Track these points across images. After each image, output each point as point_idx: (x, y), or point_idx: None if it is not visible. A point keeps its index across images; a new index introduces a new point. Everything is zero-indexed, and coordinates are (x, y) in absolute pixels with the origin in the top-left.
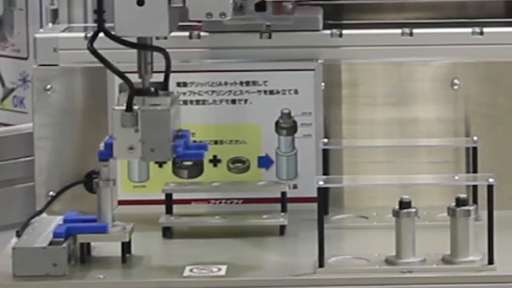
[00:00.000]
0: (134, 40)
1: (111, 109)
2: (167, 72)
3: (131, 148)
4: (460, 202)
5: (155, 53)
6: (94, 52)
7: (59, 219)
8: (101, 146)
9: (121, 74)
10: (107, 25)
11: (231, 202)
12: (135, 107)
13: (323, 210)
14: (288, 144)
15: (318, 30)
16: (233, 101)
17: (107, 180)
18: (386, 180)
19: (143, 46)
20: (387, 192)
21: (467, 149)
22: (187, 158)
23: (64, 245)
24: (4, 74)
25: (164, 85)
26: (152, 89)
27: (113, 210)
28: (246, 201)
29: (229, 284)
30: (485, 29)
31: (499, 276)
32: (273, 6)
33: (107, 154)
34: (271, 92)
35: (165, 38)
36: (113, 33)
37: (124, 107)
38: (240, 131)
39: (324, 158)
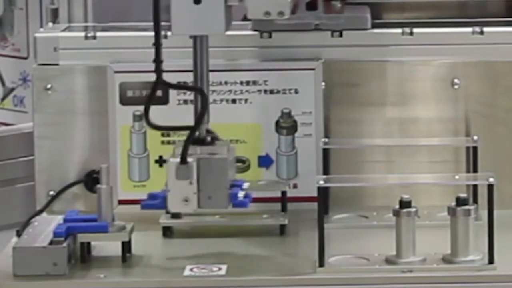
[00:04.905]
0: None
1: (167, 161)
2: (202, 112)
3: (186, 200)
4: (460, 202)
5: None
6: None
7: (59, 219)
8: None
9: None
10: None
11: None
12: (190, 159)
13: (323, 210)
14: (288, 144)
15: (367, 29)
16: (233, 101)
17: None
18: (386, 180)
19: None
20: (387, 191)
21: (467, 148)
22: (243, 206)
23: (64, 244)
24: (4, 73)
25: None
26: (209, 138)
27: (113, 210)
28: None
29: (229, 283)
30: (485, 29)
31: (499, 276)
32: (324, 5)
33: (151, 205)
34: (271, 92)
35: (165, 37)
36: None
37: (178, 160)
38: (240, 130)
39: (324, 157)
